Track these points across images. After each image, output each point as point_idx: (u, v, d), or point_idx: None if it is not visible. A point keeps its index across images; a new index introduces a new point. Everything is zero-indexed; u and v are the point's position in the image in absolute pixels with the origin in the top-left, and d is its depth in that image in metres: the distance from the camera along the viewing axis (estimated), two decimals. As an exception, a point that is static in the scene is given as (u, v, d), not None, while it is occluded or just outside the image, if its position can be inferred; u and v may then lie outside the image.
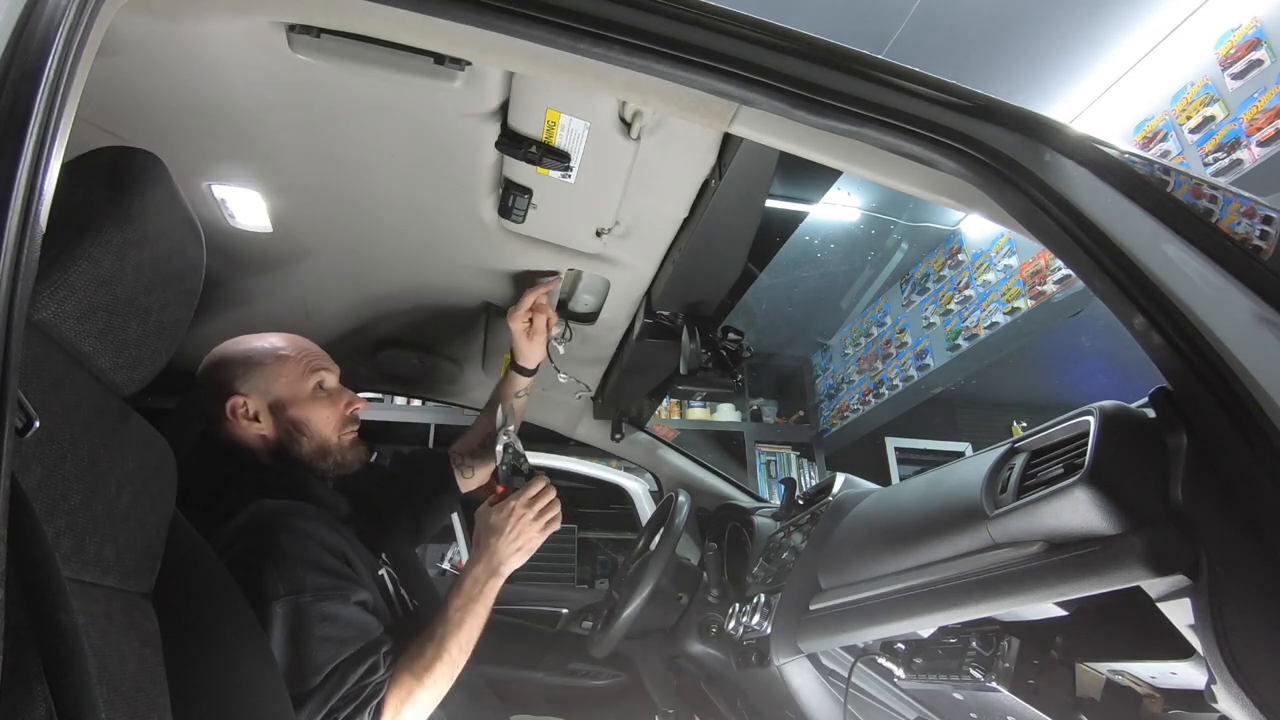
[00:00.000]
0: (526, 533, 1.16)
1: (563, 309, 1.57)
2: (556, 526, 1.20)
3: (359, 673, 0.96)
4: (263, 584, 0.92)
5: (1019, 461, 0.81)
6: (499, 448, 1.25)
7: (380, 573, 1.14)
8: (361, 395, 1.28)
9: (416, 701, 1.02)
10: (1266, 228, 0.70)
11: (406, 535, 1.42)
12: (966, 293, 3.34)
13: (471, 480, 1.55)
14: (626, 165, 1.08)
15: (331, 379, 1.21)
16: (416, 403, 3.65)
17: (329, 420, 1.17)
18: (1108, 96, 2.55)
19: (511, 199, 1.17)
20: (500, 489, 1.21)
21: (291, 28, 0.85)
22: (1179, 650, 0.66)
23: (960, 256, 3.42)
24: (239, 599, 0.81)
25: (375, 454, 1.26)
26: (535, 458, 1.31)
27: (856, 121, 0.73)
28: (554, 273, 1.41)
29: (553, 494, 1.21)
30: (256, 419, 1.13)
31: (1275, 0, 2.04)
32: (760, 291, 3.79)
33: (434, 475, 1.51)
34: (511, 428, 1.29)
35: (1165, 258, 0.65)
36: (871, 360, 4.07)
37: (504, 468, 1.24)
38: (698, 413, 4.61)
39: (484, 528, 1.17)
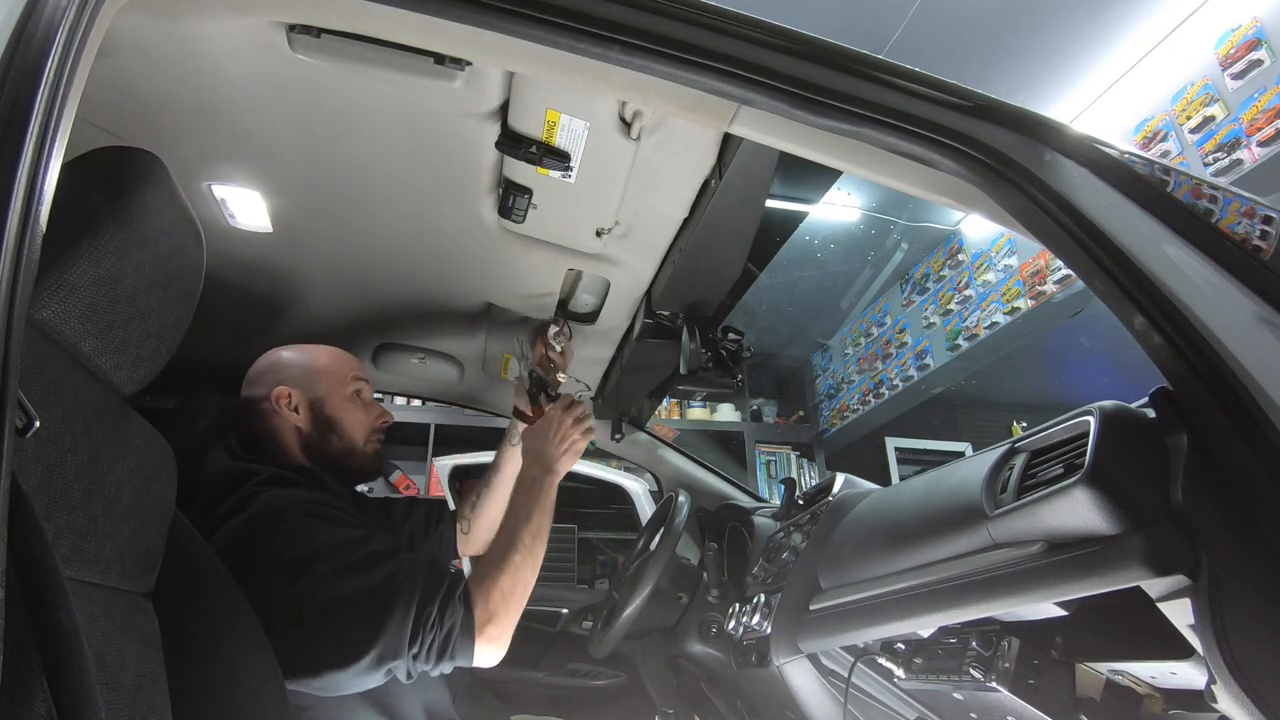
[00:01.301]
0: (570, 435, 1.27)
1: (563, 309, 1.57)
2: (594, 433, 1.33)
3: (424, 566, 0.99)
4: (298, 552, 0.95)
5: (1019, 461, 0.81)
6: (524, 373, 1.42)
7: None
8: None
9: (502, 587, 1.04)
10: (1266, 228, 0.70)
11: None
12: (966, 293, 3.33)
13: (469, 539, 1.54)
14: (626, 165, 1.08)
15: (368, 391, 1.31)
16: (416, 403, 3.64)
17: (361, 425, 1.27)
18: (1108, 96, 2.55)
19: (511, 199, 1.17)
20: (538, 408, 1.37)
21: (291, 28, 0.85)
22: (1179, 650, 0.66)
23: (960, 256, 3.42)
24: (239, 599, 0.81)
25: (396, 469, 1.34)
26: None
27: (856, 121, 0.73)
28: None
29: (584, 405, 1.33)
30: (297, 410, 1.22)
31: (1275, 0, 2.04)
32: (760, 291, 3.79)
33: (440, 529, 1.52)
34: (529, 355, 1.47)
35: (1165, 258, 0.65)
36: (871, 360, 4.07)
37: (534, 390, 1.40)
38: (698, 413, 4.60)
39: (532, 440, 1.27)
